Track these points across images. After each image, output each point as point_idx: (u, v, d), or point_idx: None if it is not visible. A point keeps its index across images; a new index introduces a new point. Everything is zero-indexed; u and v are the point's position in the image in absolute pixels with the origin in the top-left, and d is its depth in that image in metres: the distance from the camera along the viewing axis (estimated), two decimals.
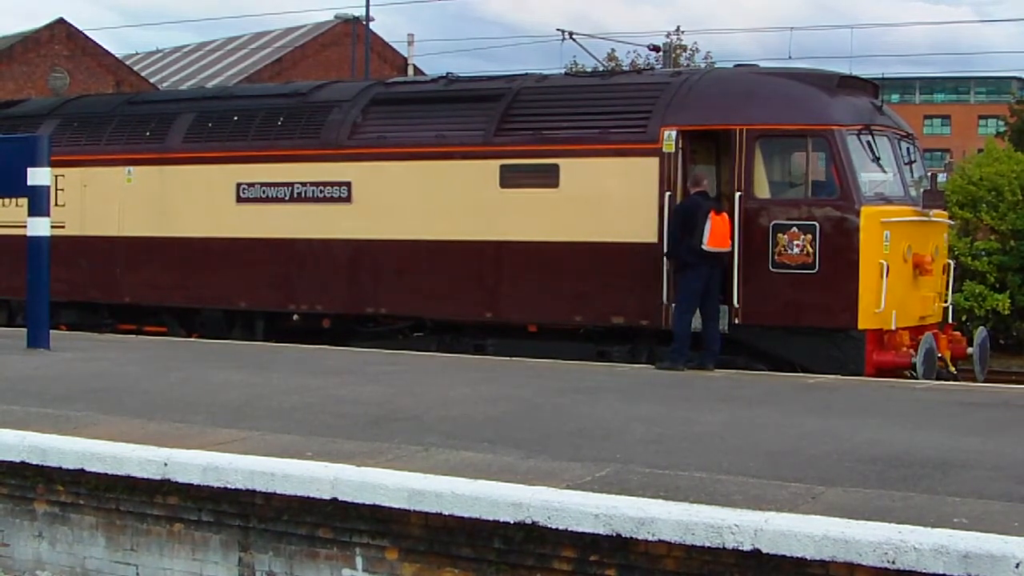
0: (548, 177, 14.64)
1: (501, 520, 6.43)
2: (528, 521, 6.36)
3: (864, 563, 5.58)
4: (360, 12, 40.43)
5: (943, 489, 6.54)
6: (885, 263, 13.22)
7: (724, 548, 5.88)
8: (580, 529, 6.23)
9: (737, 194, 13.69)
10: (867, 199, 13.51)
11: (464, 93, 16.04)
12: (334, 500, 6.93)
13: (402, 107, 16.32)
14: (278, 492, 7.11)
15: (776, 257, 13.47)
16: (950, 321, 15.34)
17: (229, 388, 10.73)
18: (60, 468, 7.88)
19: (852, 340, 13.27)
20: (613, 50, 48.52)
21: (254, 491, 7.20)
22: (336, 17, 45.41)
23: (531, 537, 6.40)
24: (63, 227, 17.09)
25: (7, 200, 17.75)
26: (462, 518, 6.55)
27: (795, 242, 13.39)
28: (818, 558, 5.68)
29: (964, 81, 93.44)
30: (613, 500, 6.27)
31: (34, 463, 8.00)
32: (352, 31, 42.29)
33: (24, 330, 14.52)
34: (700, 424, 8.92)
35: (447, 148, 15.31)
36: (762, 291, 13.53)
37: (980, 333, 15.02)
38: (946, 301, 14.97)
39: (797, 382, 12.00)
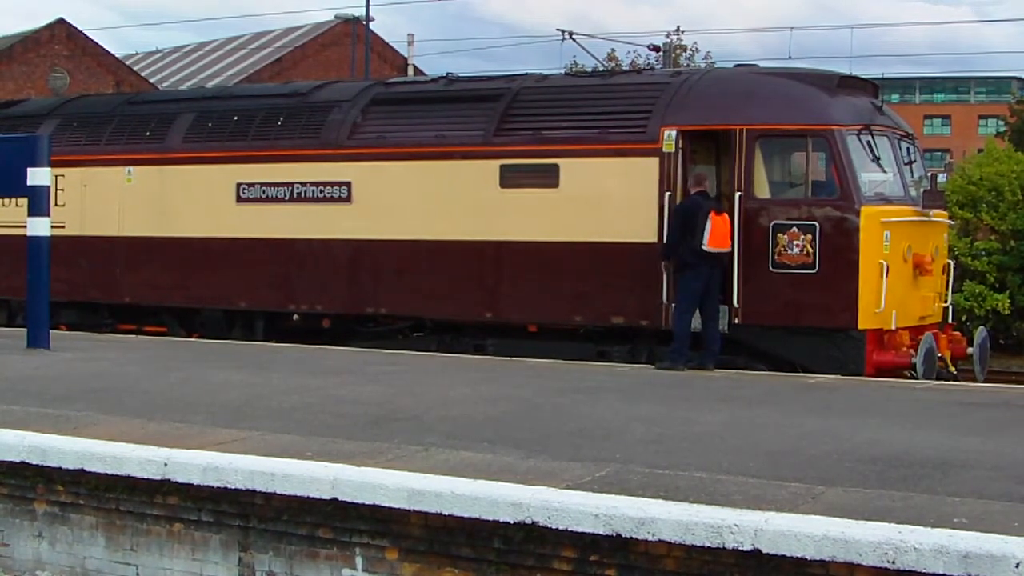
0: (548, 177, 14.64)
1: (501, 520, 6.43)
2: (528, 521, 6.36)
3: (864, 563, 5.58)
4: (360, 12, 40.46)
5: (943, 489, 6.54)
6: (885, 263, 13.22)
7: (724, 548, 5.88)
8: (580, 529, 6.23)
9: (737, 194, 13.69)
10: (867, 199, 13.51)
11: (464, 93, 16.04)
12: (334, 500, 6.93)
13: (402, 107, 16.32)
14: (278, 492, 7.11)
15: (776, 257, 13.47)
16: (950, 321, 15.34)
17: (229, 388, 10.73)
18: (60, 468, 7.88)
19: (852, 340, 13.28)
20: (613, 50, 48.56)
21: (254, 491, 7.20)
22: (336, 17, 45.42)
23: (531, 537, 6.40)
24: (63, 227, 17.09)
25: (7, 200, 17.75)
26: (462, 518, 6.55)
27: (795, 242, 13.39)
28: (818, 558, 5.68)
29: (964, 81, 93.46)
30: (613, 500, 6.27)
31: (34, 463, 8.00)
32: (352, 31, 42.29)
33: (24, 330, 14.51)
34: (700, 424, 8.92)
35: (447, 148, 15.31)
36: (762, 291, 13.53)
37: (980, 333, 15.02)
38: (946, 301, 14.97)
39: (797, 382, 12.00)
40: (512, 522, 6.40)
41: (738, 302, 13.59)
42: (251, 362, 12.94)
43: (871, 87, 15.37)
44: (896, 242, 13.58)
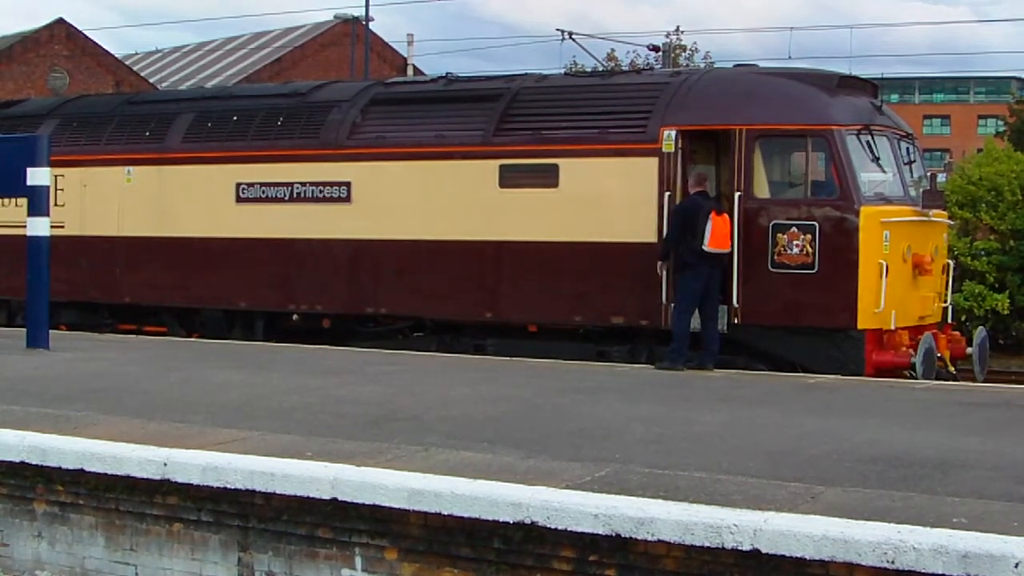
0: (548, 177, 14.64)
1: (500, 520, 6.43)
2: (527, 521, 6.36)
3: (863, 563, 5.58)
4: (360, 12, 40.47)
5: (943, 489, 6.54)
6: (884, 263, 13.22)
7: (723, 548, 5.88)
8: (579, 529, 6.23)
9: (737, 194, 13.69)
10: (867, 199, 13.51)
11: (464, 93, 16.04)
12: (334, 500, 6.93)
13: (402, 107, 16.32)
14: (278, 492, 7.11)
15: (776, 257, 13.48)
16: (949, 321, 15.34)
17: (229, 388, 10.73)
18: (60, 468, 7.88)
19: (851, 340, 13.28)
20: (613, 50, 48.53)
21: (254, 491, 7.20)
22: (335, 17, 45.42)
23: (530, 537, 6.40)
24: (63, 227, 17.09)
25: (7, 200, 17.74)
26: (461, 518, 6.55)
27: (795, 242, 13.39)
28: (817, 558, 5.68)
29: (963, 81, 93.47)
30: (613, 500, 6.27)
31: (34, 463, 8.00)
32: (352, 31, 42.30)
33: (24, 330, 14.51)
34: (700, 424, 8.92)
35: (447, 148, 15.31)
36: (762, 291, 13.53)
37: (979, 333, 15.02)
38: (945, 301, 14.97)
39: (797, 382, 12.00)
40: (512, 522, 6.40)
41: (738, 302, 13.59)
42: (251, 362, 12.94)
43: (871, 87, 15.37)
44: (896, 242, 13.58)
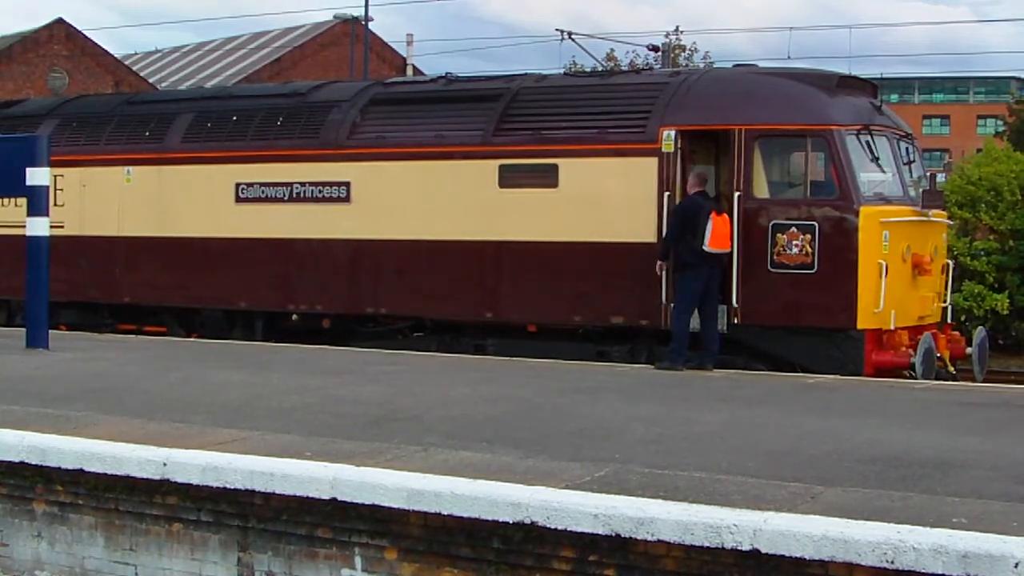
0: (547, 177, 14.65)
1: (500, 520, 6.43)
2: (527, 521, 6.36)
3: (863, 563, 5.58)
4: (359, 12, 40.50)
5: (942, 489, 6.54)
6: (884, 263, 13.22)
7: (723, 548, 5.88)
8: (579, 529, 6.23)
9: (736, 194, 13.69)
10: (866, 199, 13.51)
11: (463, 93, 16.04)
12: (333, 500, 6.93)
13: (401, 107, 16.32)
14: (277, 492, 7.11)
15: (775, 257, 13.48)
16: (949, 321, 15.34)
17: (229, 388, 10.73)
18: (59, 468, 7.88)
19: (851, 340, 13.28)
20: (612, 50, 48.55)
21: (253, 491, 7.20)
22: (335, 17, 45.44)
23: (530, 537, 6.40)
24: (62, 227, 17.09)
25: (7, 200, 17.74)
26: (461, 518, 6.55)
27: (794, 242, 13.39)
28: (817, 558, 5.68)
29: (963, 81, 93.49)
30: (612, 500, 6.27)
31: (33, 463, 8.00)
32: (351, 31, 42.32)
33: (24, 330, 14.51)
34: (700, 424, 8.92)
35: (446, 148, 15.31)
36: (761, 291, 13.53)
37: (979, 333, 15.02)
38: (945, 301, 14.97)
39: (797, 382, 12.01)
40: (511, 522, 6.40)
41: (737, 302, 13.59)
42: (251, 362, 12.94)
43: (870, 87, 15.37)
44: (895, 242, 13.58)
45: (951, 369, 14.43)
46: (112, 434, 8.15)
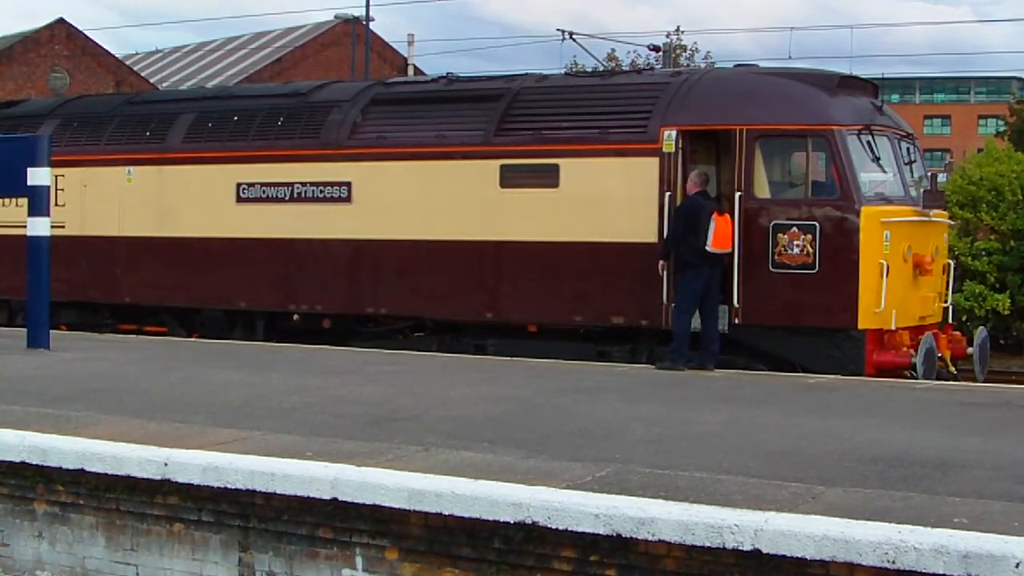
0: (548, 177, 14.64)
1: (501, 520, 6.43)
2: (528, 521, 6.36)
3: (864, 563, 5.58)
4: (360, 12, 40.49)
5: (943, 489, 6.54)
6: (885, 263, 13.22)
7: (724, 548, 5.88)
8: (580, 529, 6.23)
9: (737, 194, 13.69)
10: (867, 199, 13.51)
11: (464, 93, 16.04)
12: (334, 500, 6.93)
13: (402, 107, 16.32)
14: (278, 492, 7.11)
15: (776, 257, 13.47)
16: (950, 321, 15.34)
17: (229, 388, 10.73)
18: (60, 468, 7.88)
19: (852, 340, 13.27)
20: (613, 50, 48.60)
21: (254, 491, 7.20)
22: (336, 17, 45.42)
23: (531, 537, 6.40)
24: (63, 227, 17.09)
25: (7, 200, 17.75)
26: (462, 518, 6.55)
27: (795, 242, 13.39)
28: (818, 558, 5.68)
29: (964, 81, 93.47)
30: (613, 500, 6.27)
31: (34, 463, 8.00)
32: (352, 31, 42.30)
33: (24, 330, 14.51)
34: (700, 424, 8.92)
35: (447, 148, 15.31)
36: (762, 291, 13.53)
37: (980, 333, 15.02)
38: (946, 301, 14.97)
39: (797, 382, 12.00)
40: (512, 522, 6.40)
41: (738, 302, 13.59)
42: (251, 362, 12.94)
43: (871, 87, 15.37)
44: (896, 242, 13.57)
45: (952, 369, 14.43)
46: (113, 434, 8.16)
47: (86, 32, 44.85)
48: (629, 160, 14.23)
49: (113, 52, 46.69)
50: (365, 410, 9.41)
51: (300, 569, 7.20)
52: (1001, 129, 54.94)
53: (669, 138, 13.99)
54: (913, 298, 13.96)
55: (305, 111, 16.73)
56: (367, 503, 6.82)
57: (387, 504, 6.75)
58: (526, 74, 16.28)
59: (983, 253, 22.97)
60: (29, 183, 13.83)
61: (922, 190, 14.61)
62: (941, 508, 6.07)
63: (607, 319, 14.45)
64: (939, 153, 72.32)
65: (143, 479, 7.57)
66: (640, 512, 6.10)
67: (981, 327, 16.45)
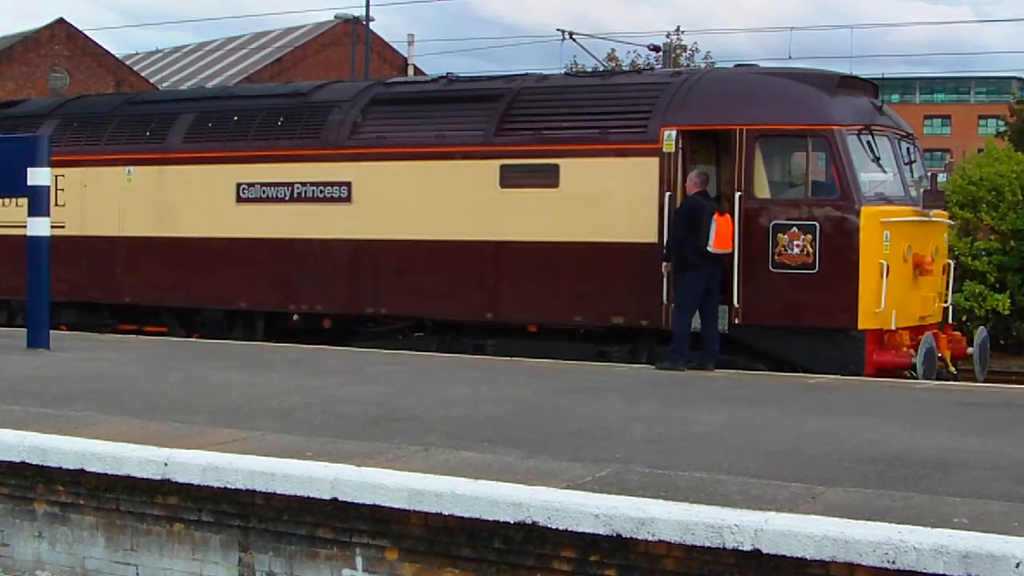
0: (548, 177, 14.65)
1: (501, 520, 6.43)
2: (528, 521, 6.36)
3: (864, 563, 5.58)
4: (360, 12, 40.49)
5: (943, 489, 6.54)
6: (885, 263, 13.22)
7: (724, 548, 5.88)
8: (580, 529, 6.23)
9: (737, 194, 13.69)
10: (867, 199, 13.51)
11: (464, 93, 16.04)
12: (334, 500, 6.93)
13: (402, 107, 16.32)
14: (278, 492, 7.11)
15: (776, 257, 13.47)
16: (950, 321, 15.34)
17: (229, 388, 10.73)
18: (60, 468, 7.88)
19: (852, 340, 13.27)
20: (613, 50, 48.61)
21: (254, 491, 7.20)
22: (336, 17, 45.42)
23: (531, 537, 6.40)
24: (63, 227, 17.09)
25: (7, 200, 17.75)
26: (462, 518, 6.55)
27: (795, 242, 13.39)
28: (818, 558, 5.68)
29: (964, 81, 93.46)
30: (613, 500, 6.27)
31: (34, 463, 8.00)
32: (352, 31, 42.29)
33: (24, 330, 14.51)
34: (700, 424, 8.92)
35: (447, 148, 15.31)
36: (762, 291, 13.53)
37: (980, 333, 15.02)
38: (946, 301, 14.97)
39: (797, 382, 12.00)
40: (512, 522, 6.40)
41: (738, 302, 13.59)
42: (251, 362, 12.95)
43: (871, 87, 15.37)
44: (896, 242, 13.58)
45: (952, 369, 14.43)
46: (113, 434, 8.16)
47: (86, 32, 44.88)
48: (629, 160, 14.23)
49: (113, 52, 46.72)
50: (365, 410, 9.41)
51: (300, 569, 7.20)
52: (1001, 129, 54.96)
53: (669, 138, 13.99)
54: (913, 298, 13.96)
55: (305, 111, 16.73)
56: (367, 503, 6.82)
57: (387, 504, 6.75)
58: (526, 74, 16.28)
59: (983, 253, 22.97)
60: (29, 183, 13.83)
61: (922, 190, 14.62)
62: (941, 508, 6.07)
63: (607, 319, 14.45)
64: (939, 153, 72.32)
65: (143, 479, 7.57)
66: (640, 512, 6.10)
67: (981, 327, 16.45)
